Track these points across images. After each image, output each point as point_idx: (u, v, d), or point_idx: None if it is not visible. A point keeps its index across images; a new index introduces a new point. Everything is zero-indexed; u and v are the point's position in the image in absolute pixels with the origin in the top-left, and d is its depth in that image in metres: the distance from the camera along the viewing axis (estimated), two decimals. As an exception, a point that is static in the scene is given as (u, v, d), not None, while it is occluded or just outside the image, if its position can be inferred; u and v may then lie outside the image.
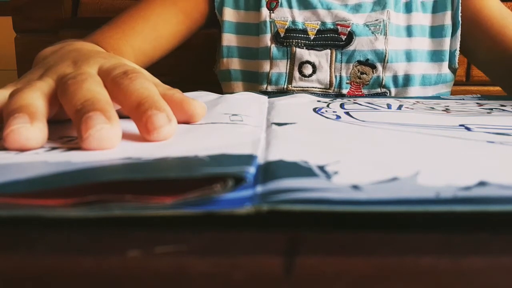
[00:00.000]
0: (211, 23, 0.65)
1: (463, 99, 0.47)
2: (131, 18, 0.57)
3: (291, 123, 0.30)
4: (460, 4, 0.60)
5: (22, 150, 0.22)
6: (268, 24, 0.60)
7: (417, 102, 0.44)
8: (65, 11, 0.81)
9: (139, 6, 0.59)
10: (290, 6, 0.60)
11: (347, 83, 0.60)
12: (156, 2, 0.59)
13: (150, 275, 0.14)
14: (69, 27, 0.80)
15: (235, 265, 0.14)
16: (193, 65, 0.79)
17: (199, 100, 0.30)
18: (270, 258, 0.14)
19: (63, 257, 0.14)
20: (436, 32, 0.61)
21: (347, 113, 0.35)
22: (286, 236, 0.16)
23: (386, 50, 0.58)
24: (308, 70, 0.59)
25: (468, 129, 0.29)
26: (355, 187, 0.17)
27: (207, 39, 0.67)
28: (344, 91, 0.60)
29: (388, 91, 0.60)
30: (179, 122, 0.27)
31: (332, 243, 0.15)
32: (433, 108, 0.39)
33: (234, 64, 0.63)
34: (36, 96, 0.26)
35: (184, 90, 0.34)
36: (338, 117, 0.34)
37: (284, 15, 0.60)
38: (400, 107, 0.39)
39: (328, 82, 0.59)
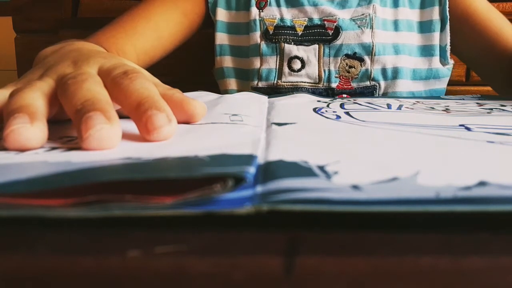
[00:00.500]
0: (209, 24, 0.65)
1: (463, 99, 0.47)
2: (132, 18, 0.58)
3: (291, 123, 0.30)
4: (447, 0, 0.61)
5: (22, 150, 0.22)
6: (257, 23, 0.62)
7: (417, 102, 0.44)
8: (65, 11, 0.81)
9: (140, 6, 0.60)
10: (278, 5, 0.62)
11: (336, 77, 0.60)
12: (157, 3, 0.60)
13: (150, 275, 0.14)
14: (69, 27, 0.80)
15: (235, 265, 0.14)
16: (193, 65, 0.79)
17: (199, 100, 0.30)
18: (270, 258, 0.14)
19: (63, 257, 0.14)
20: (424, 27, 0.62)
21: (347, 113, 0.35)
22: (286, 236, 0.16)
23: (373, 43, 0.59)
24: (297, 65, 0.60)
25: (468, 129, 0.29)
26: (355, 187, 0.17)
27: (207, 39, 0.67)
28: (334, 85, 0.60)
29: (377, 84, 0.60)
30: (179, 122, 0.27)
31: (332, 243, 0.15)
32: (433, 108, 0.39)
33: (227, 62, 0.64)
34: (36, 96, 0.26)
35: (184, 90, 0.34)
36: (338, 117, 0.34)
37: (273, 13, 0.62)
38: (400, 107, 0.39)
39: (317, 77, 0.60)
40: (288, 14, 0.62)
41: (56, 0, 0.81)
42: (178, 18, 0.61)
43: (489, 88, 0.79)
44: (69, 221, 0.16)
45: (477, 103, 0.44)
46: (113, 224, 0.16)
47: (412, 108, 0.39)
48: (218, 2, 0.64)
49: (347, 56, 0.60)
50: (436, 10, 0.62)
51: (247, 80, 0.63)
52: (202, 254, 0.14)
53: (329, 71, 0.60)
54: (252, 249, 0.15)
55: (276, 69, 0.61)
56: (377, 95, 0.61)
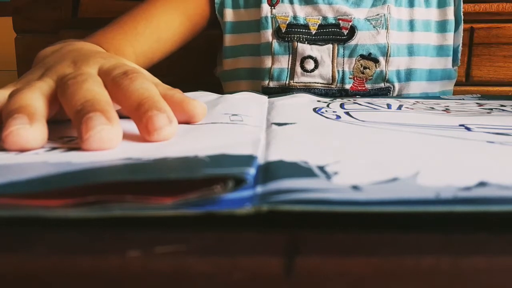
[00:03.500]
0: (213, 25, 0.65)
1: (463, 99, 0.47)
2: (133, 19, 0.57)
3: (291, 123, 0.30)
4: (461, 0, 0.60)
5: (21, 151, 0.22)
6: (269, 20, 0.60)
7: (417, 102, 0.44)
8: (65, 11, 0.81)
9: (141, 7, 0.59)
10: (291, 2, 0.61)
11: (350, 78, 0.59)
12: (158, 4, 0.59)
13: (150, 275, 0.14)
14: (69, 28, 0.80)
15: (235, 265, 0.14)
16: (193, 65, 0.79)
17: (199, 100, 0.30)
18: (270, 258, 0.14)
19: (63, 257, 0.14)
20: (441, 26, 0.62)
21: (347, 113, 0.35)
22: (286, 236, 0.16)
23: (388, 44, 0.58)
24: (310, 65, 0.59)
25: (468, 129, 0.29)
26: (355, 187, 0.17)
27: (208, 40, 0.67)
28: (347, 86, 0.59)
29: (392, 86, 0.59)
30: (179, 122, 0.27)
31: (332, 243, 0.15)
32: (433, 108, 0.39)
33: (237, 63, 0.63)
34: (36, 97, 0.26)
35: (184, 90, 0.34)
36: (338, 117, 0.34)
37: (286, 11, 0.60)
38: (400, 107, 0.39)
39: (331, 77, 0.59)
40: (302, 12, 0.60)
41: (56, 0, 0.81)
42: (179, 20, 0.60)
43: (489, 88, 0.79)
44: (69, 221, 0.16)
45: (477, 103, 0.44)
46: (113, 224, 0.16)
47: (412, 108, 0.39)
48: (225, 3, 0.62)
49: (362, 56, 0.58)
50: (451, 10, 0.61)
51: (258, 79, 0.62)
52: (202, 254, 0.14)
53: (343, 71, 0.59)
54: (252, 249, 0.15)
55: (288, 68, 0.59)
56: (391, 96, 0.60)
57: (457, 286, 0.14)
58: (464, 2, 0.65)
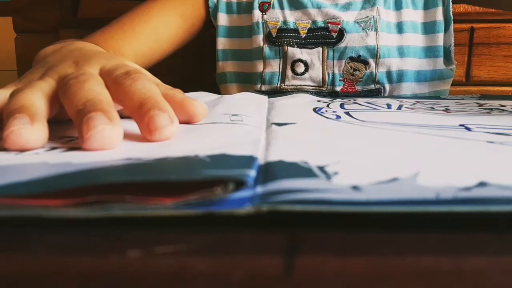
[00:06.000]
0: (211, 25, 0.65)
1: (463, 99, 0.47)
2: (132, 20, 0.58)
3: (291, 123, 0.30)
4: (451, 0, 0.60)
5: (22, 150, 0.22)
6: (260, 25, 0.61)
7: (417, 102, 0.44)
8: (65, 11, 0.81)
9: (140, 9, 0.59)
10: (281, 7, 0.62)
11: (340, 80, 0.60)
12: (157, 6, 0.60)
13: (150, 275, 0.14)
14: (69, 28, 0.80)
15: (235, 265, 0.14)
16: (193, 65, 0.79)
17: (200, 100, 0.30)
18: (270, 258, 0.14)
19: (63, 257, 0.14)
20: (428, 28, 0.62)
21: (347, 113, 0.35)
22: (286, 236, 0.16)
23: (377, 45, 0.59)
24: (300, 68, 0.60)
25: (468, 129, 0.29)
26: (355, 187, 0.17)
27: (208, 40, 0.67)
28: (338, 88, 0.60)
29: (382, 87, 0.60)
30: (180, 122, 0.27)
31: (332, 243, 0.15)
32: (433, 108, 0.39)
33: (229, 67, 0.64)
34: (37, 97, 0.26)
35: (185, 90, 0.34)
36: (338, 117, 0.34)
37: (276, 16, 0.61)
38: (400, 107, 0.39)
39: (321, 80, 0.60)
40: (292, 17, 0.61)
41: (56, 0, 0.81)
42: (177, 21, 0.61)
43: (489, 88, 0.79)
44: (69, 221, 0.16)
45: (477, 103, 0.44)
46: (113, 224, 0.16)
47: (412, 108, 0.39)
48: (219, 7, 0.63)
49: (352, 59, 0.59)
50: (439, 10, 0.61)
51: (250, 83, 0.63)
52: (202, 254, 0.14)
53: (333, 74, 0.60)
54: (252, 249, 0.15)
55: (279, 72, 0.60)
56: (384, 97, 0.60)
57: (457, 286, 0.14)
58: (464, 2, 0.64)
